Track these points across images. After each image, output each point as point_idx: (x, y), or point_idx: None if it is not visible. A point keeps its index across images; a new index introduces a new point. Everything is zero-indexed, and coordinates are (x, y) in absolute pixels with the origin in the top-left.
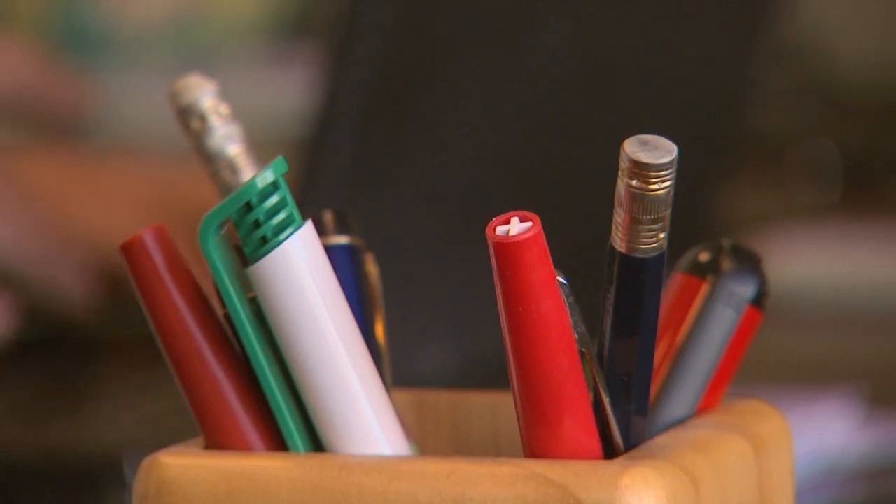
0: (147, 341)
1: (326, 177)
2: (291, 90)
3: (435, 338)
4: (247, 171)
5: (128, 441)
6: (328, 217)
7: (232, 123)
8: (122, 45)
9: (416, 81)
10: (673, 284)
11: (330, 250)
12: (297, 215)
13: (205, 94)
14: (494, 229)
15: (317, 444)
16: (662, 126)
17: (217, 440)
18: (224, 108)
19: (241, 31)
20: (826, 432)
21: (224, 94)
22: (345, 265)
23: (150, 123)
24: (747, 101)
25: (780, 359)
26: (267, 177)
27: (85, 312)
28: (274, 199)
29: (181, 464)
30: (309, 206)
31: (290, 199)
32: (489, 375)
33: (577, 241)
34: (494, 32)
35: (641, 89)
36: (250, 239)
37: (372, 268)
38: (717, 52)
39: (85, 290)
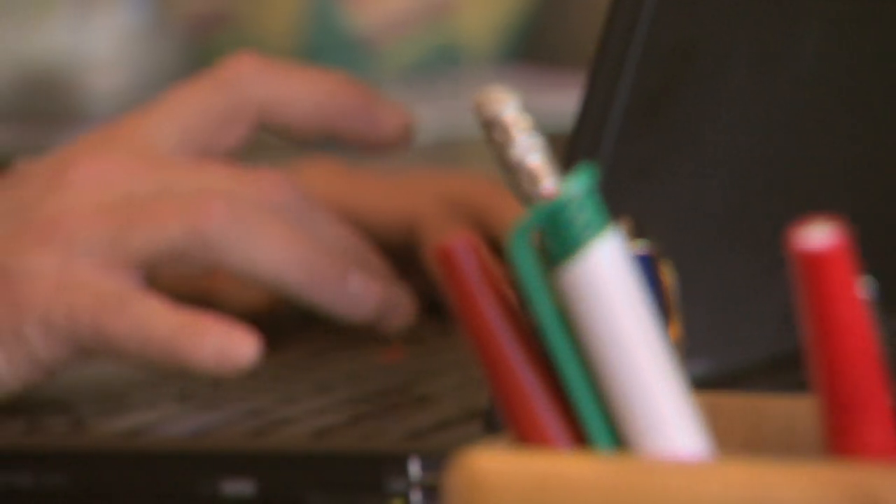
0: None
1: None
2: (536, 104)
3: (692, 346)
4: (549, 182)
5: (412, 441)
6: (625, 224)
7: (534, 135)
8: (369, 51)
9: (676, 87)
10: None
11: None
12: (604, 224)
13: (507, 107)
14: (797, 238)
15: (620, 444)
16: None
17: (525, 441)
18: (526, 120)
19: (483, 49)
20: None
21: (525, 107)
22: (643, 272)
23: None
24: None
25: None
26: (575, 186)
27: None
28: (581, 209)
29: (493, 461)
30: None
31: (597, 208)
32: (749, 386)
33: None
34: (754, 36)
35: None
36: (557, 247)
37: (667, 274)
38: None
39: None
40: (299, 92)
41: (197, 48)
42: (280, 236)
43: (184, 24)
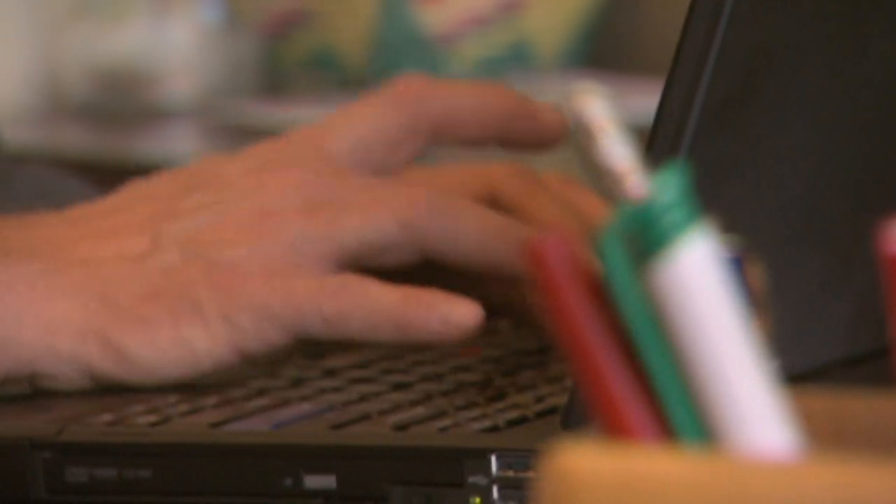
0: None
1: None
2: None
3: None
4: (639, 181)
5: (490, 436)
6: (713, 223)
7: (622, 134)
8: (441, 49)
9: (753, 89)
10: None
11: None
12: (695, 224)
13: (595, 105)
14: (886, 239)
15: (709, 440)
16: None
17: (615, 437)
18: (614, 119)
19: (552, 50)
20: None
21: (613, 106)
22: (733, 272)
23: None
24: None
25: None
26: (666, 186)
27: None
28: (672, 209)
29: (586, 460)
30: None
31: (689, 207)
32: (822, 383)
33: None
34: (830, 38)
35: None
36: (647, 247)
37: (757, 275)
38: None
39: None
40: (470, 105)
41: (273, 47)
42: (479, 216)
43: (260, 24)
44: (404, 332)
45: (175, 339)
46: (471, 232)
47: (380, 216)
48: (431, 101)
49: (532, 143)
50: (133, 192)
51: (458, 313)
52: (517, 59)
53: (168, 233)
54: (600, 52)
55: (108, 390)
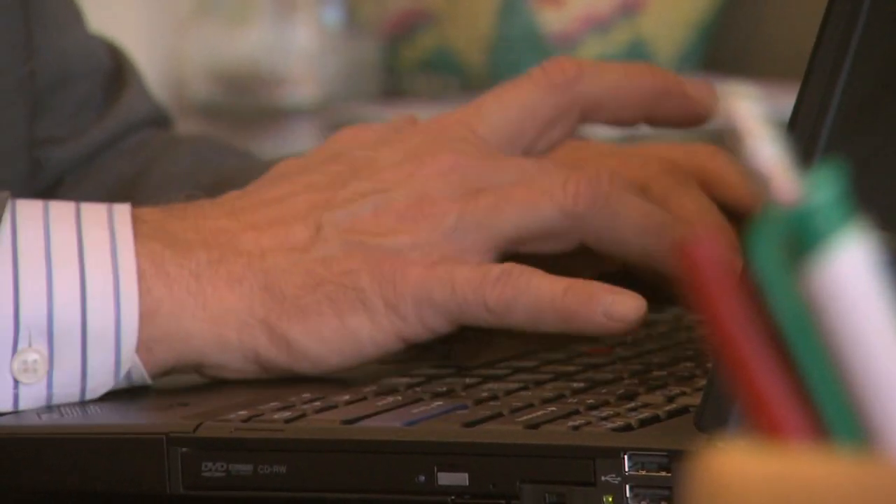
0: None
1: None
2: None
3: None
4: (792, 184)
5: (621, 436)
6: (867, 224)
7: (771, 136)
8: (560, 48)
9: (888, 91)
10: None
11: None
12: (849, 225)
13: (743, 108)
14: None
15: (865, 442)
16: None
17: (766, 436)
18: (763, 121)
19: (668, 52)
20: None
21: (765, 106)
22: (886, 272)
23: None
24: None
25: None
26: (819, 187)
27: None
28: (826, 211)
29: (741, 463)
30: None
31: (843, 209)
32: None
33: None
34: None
35: None
36: (800, 249)
37: None
38: None
39: None
40: (620, 85)
41: (392, 49)
42: (641, 209)
43: (379, 26)
44: (568, 323)
45: (339, 329)
46: (631, 224)
47: (541, 204)
48: (582, 82)
49: (681, 121)
50: (292, 181)
51: (621, 306)
52: (635, 59)
53: (328, 223)
54: (718, 53)
55: (275, 379)
